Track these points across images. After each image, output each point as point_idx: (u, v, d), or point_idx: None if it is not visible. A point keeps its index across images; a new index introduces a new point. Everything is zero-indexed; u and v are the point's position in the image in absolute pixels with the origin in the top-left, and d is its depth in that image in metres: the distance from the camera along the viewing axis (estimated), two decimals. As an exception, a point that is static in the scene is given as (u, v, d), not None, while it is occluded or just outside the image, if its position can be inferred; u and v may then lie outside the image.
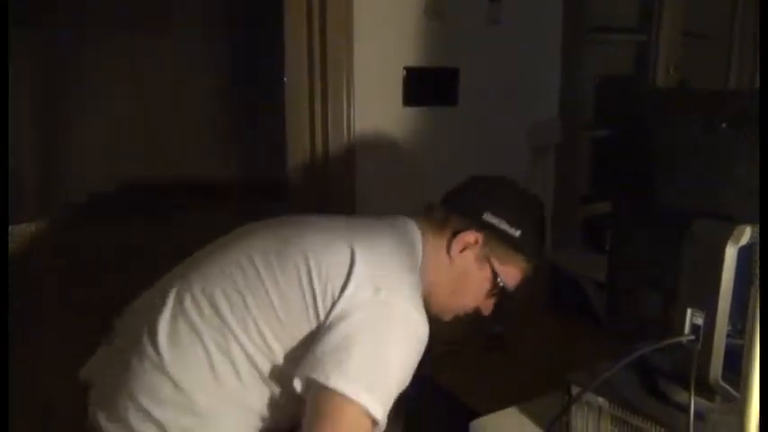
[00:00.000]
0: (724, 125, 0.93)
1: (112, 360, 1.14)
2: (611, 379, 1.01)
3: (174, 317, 1.08)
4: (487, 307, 1.27)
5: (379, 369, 1.00)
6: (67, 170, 1.89)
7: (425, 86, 2.04)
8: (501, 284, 1.22)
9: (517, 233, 1.20)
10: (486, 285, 1.22)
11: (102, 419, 1.08)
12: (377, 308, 1.03)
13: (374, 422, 1.00)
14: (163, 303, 1.10)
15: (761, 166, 0.71)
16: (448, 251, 1.20)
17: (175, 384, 1.04)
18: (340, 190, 1.94)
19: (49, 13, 1.65)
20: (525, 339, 2.00)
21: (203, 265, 1.14)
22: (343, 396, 0.97)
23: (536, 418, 1.17)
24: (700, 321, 0.92)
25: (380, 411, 0.99)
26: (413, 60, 2.00)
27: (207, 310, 1.07)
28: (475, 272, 1.21)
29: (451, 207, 1.24)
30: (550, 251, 2.36)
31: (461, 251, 1.20)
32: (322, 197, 1.93)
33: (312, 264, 1.06)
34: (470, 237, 1.20)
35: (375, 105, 1.96)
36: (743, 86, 2.67)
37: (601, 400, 1.03)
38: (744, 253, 0.86)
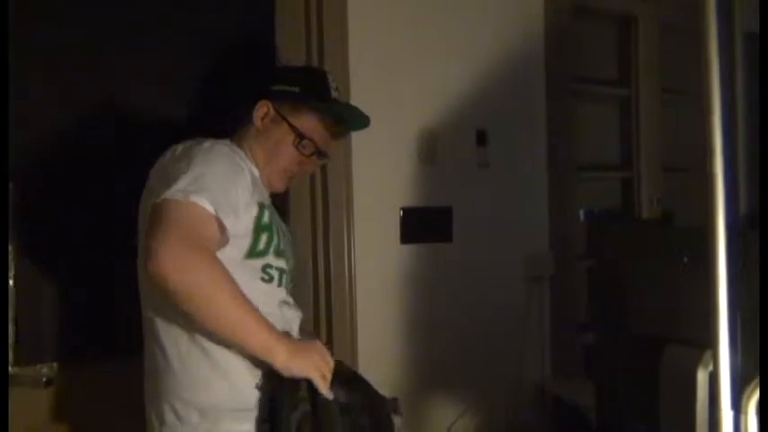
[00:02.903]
0: (686, 260, 1.03)
1: None
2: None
3: None
4: (310, 165, 1.53)
5: (190, 174, 1.23)
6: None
7: (421, 225, 2.15)
8: (300, 134, 1.44)
9: (296, 89, 1.46)
10: (290, 138, 1.45)
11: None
12: (185, 150, 1.32)
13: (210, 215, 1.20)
14: None
15: (760, 172, 0.80)
16: (254, 123, 1.47)
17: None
18: (342, 323, 2.02)
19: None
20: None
21: None
22: (165, 200, 1.19)
23: None
24: (683, 445, 0.97)
25: (199, 197, 1.19)
26: (409, 201, 2.14)
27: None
28: (276, 131, 1.46)
29: (249, 98, 1.49)
30: (551, 381, 2.39)
31: (262, 120, 1.46)
32: (325, 334, 2.00)
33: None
34: (262, 106, 1.46)
35: (374, 244, 2.07)
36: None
37: None
38: (713, 376, 0.93)
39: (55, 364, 1.72)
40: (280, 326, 1.31)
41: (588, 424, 2.09)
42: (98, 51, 1.73)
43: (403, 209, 2.13)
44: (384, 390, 2.06)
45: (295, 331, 1.40)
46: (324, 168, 2.01)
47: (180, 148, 1.33)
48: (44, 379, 1.72)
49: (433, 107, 2.18)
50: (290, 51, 1.97)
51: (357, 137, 2.02)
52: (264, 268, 1.35)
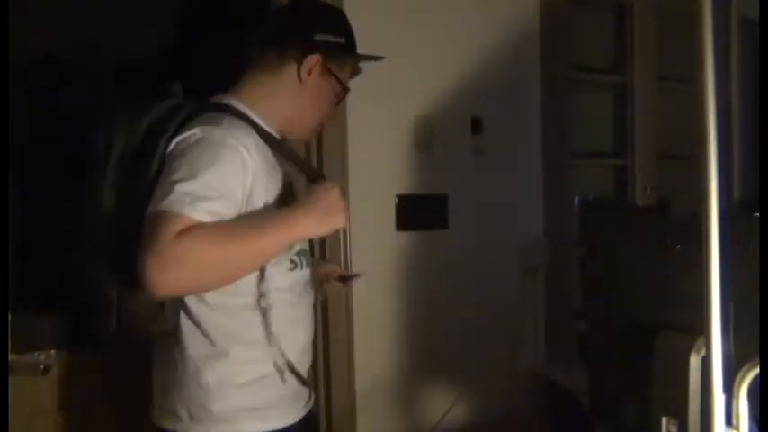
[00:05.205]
0: (678, 247, 1.04)
1: None
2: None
3: None
4: (335, 113, 1.46)
5: (187, 178, 1.11)
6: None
7: (417, 212, 2.17)
8: (346, 89, 1.40)
9: (342, 40, 1.38)
10: (333, 94, 1.39)
11: None
12: (188, 141, 1.17)
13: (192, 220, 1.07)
14: None
15: (761, 173, 0.81)
16: (300, 79, 1.35)
17: None
18: (337, 309, 2.03)
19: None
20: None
21: None
22: (151, 214, 1.08)
23: None
24: (675, 429, 0.98)
25: (186, 208, 1.07)
26: (404, 188, 2.15)
27: None
28: (324, 85, 1.37)
29: (282, 46, 1.35)
30: (546, 367, 2.41)
31: (309, 73, 1.35)
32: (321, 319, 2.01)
33: None
34: (312, 59, 1.34)
35: (370, 231, 2.08)
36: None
37: None
38: (706, 362, 0.94)
39: (53, 352, 1.73)
40: (305, 310, 1.35)
41: (582, 409, 2.11)
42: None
43: (398, 196, 2.14)
44: (381, 377, 2.09)
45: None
46: (320, 155, 2.02)
47: (197, 134, 1.17)
48: (42, 366, 1.73)
49: (428, 95, 2.18)
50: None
51: (353, 124, 2.03)
52: (298, 254, 1.30)
